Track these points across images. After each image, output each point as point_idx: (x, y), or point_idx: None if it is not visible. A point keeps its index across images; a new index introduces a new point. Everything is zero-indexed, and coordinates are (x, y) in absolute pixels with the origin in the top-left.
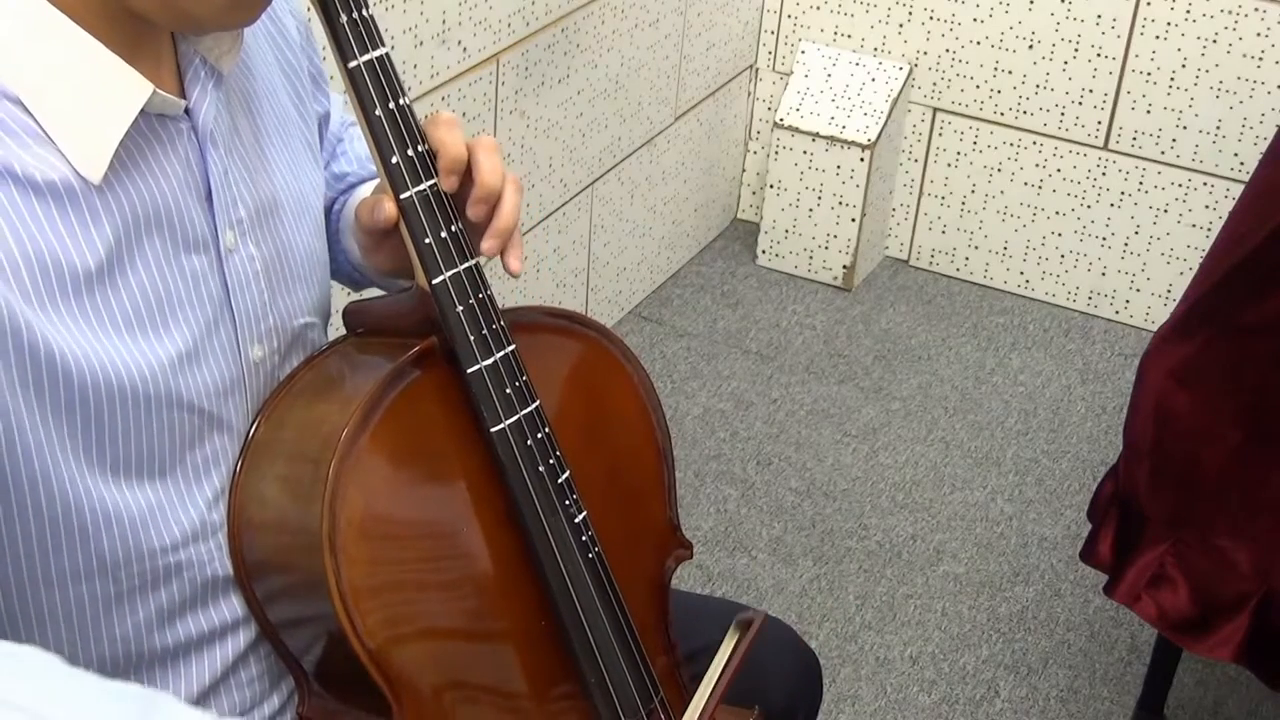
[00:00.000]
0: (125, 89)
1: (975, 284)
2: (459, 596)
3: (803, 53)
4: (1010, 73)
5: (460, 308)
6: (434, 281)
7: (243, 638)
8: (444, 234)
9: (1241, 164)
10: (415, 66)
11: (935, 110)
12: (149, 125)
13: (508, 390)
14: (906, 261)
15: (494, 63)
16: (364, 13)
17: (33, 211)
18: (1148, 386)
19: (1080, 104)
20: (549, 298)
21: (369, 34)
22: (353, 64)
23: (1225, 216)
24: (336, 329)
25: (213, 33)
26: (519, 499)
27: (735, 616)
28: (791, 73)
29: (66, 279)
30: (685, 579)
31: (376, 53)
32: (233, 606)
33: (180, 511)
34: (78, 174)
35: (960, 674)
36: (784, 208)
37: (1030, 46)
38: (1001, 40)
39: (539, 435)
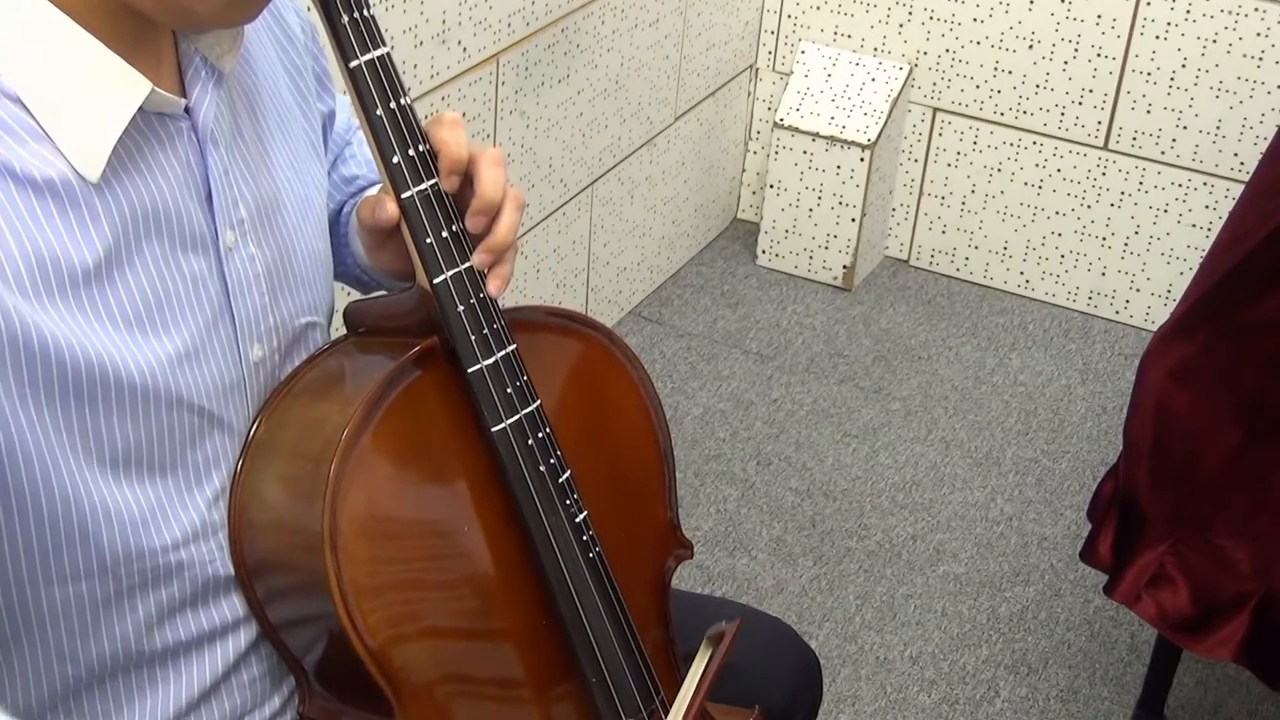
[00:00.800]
0: (123, 87)
1: (975, 284)
2: (459, 596)
3: (803, 53)
4: (1010, 73)
5: (461, 307)
6: (435, 281)
7: (243, 637)
8: (445, 233)
9: (1241, 164)
10: (415, 66)
11: (935, 110)
12: (148, 124)
13: (508, 390)
14: (906, 261)
15: (494, 63)
16: (365, 13)
17: (31, 209)
18: (1147, 386)
19: (1080, 104)
20: (549, 298)
21: (370, 34)
22: (354, 64)
23: (1225, 216)
24: (338, 329)
25: (213, 30)
26: (519, 499)
27: (705, 633)
28: (791, 73)
29: (65, 276)
30: (685, 579)
31: (377, 52)
32: (233, 606)
33: (180, 511)
34: (76, 172)
35: (960, 674)
36: (784, 208)
37: (1030, 46)
38: (1001, 40)
39: (539, 435)
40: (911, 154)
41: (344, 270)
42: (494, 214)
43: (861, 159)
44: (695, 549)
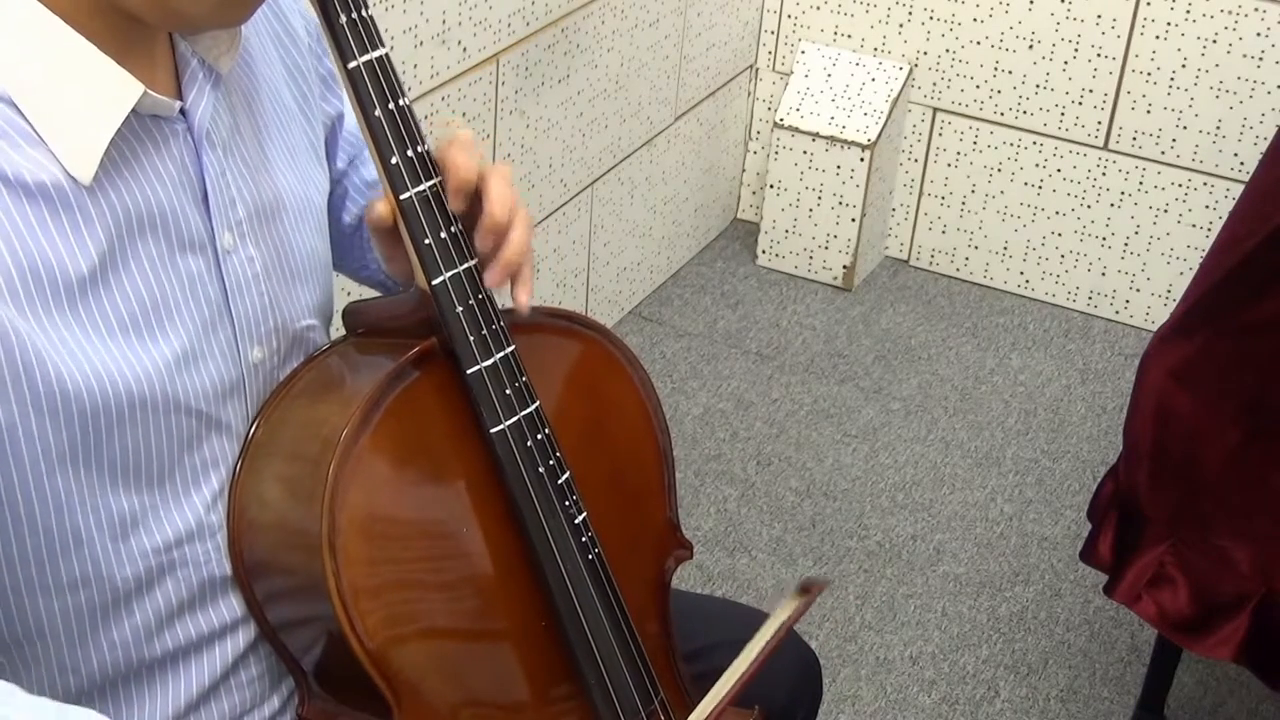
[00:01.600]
0: (116, 89)
1: (975, 284)
2: (459, 597)
3: (803, 53)
4: (1010, 73)
5: (460, 308)
6: (434, 282)
7: (242, 638)
8: (444, 234)
9: (1241, 164)
10: (415, 66)
11: (935, 110)
12: (142, 126)
13: (508, 391)
14: (906, 261)
15: (494, 63)
16: (364, 13)
17: (24, 215)
18: (1148, 386)
19: (1080, 104)
20: (549, 298)
21: (369, 34)
22: (352, 64)
23: (1225, 216)
24: (337, 329)
25: (207, 31)
26: (519, 500)
27: (800, 581)
28: (791, 73)
29: (60, 285)
30: (685, 579)
31: (376, 53)
32: (232, 607)
33: (176, 512)
34: (69, 176)
35: (960, 674)
36: (784, 208)
37: (1030, 46)
38: (1001, 40)
39: (539, 436)
40: (911, 154)
41: (369, 275)
42: (502, 233)
43: (861, 159)
44: (695, 549)
